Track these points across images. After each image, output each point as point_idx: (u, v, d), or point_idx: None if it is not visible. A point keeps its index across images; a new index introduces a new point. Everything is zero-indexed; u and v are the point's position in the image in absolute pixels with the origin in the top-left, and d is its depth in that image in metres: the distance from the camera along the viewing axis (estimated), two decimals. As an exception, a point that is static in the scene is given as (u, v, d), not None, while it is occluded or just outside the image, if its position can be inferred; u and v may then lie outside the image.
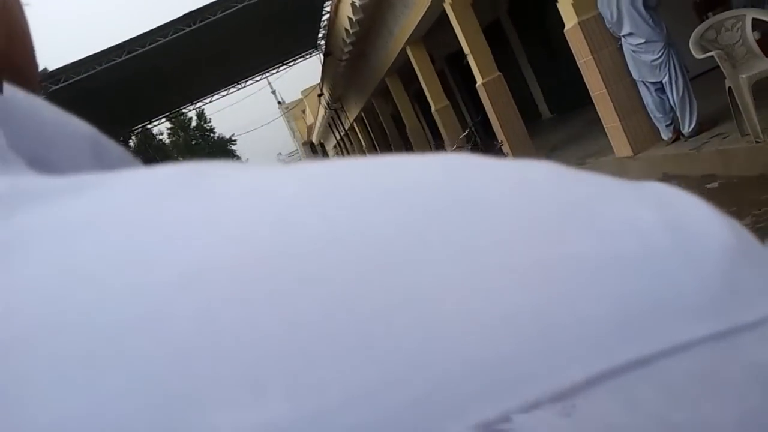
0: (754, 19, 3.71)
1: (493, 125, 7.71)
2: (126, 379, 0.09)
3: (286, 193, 0.12)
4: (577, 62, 5.12)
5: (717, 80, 6.16)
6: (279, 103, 53.34)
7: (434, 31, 10.31)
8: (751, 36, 3.71)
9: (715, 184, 3.93)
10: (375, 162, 0.12)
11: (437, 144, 14.24)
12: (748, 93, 3.40)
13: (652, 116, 4.78)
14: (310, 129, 40.55)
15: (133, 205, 0.12)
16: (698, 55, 3.84)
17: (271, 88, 52.61)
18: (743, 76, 3.42)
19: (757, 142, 3.44)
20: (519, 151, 7.44)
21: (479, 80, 7.60)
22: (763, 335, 0.10)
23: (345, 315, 0.10)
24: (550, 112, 12.87)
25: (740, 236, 0.12)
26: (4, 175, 0.14)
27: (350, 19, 11.09)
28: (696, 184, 4.13)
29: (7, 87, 0.18)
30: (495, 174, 0.12)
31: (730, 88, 3.62)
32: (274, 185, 0.12)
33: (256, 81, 24.13)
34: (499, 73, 7.57)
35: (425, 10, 8.59)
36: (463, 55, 15.13)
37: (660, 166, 4.67)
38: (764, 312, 0.11)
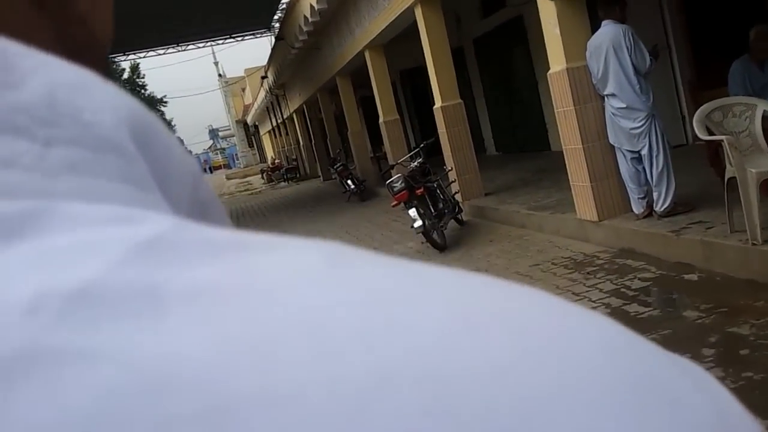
0: (765, 112, 3.38)
1: (443, 151, 7.23)
2: None
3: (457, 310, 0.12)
4: (555, 110, 4.69)
5: (692, 156, 5.93)
6: (219, 75, 51.37)
7: (394, 42, 9.79)
8: (759, 128, 3.38)
9: (693, 276, 3.56)
10: (509, 293, 0.13)
11: (375, 153, 13.69)
12: (755, 189, 3.04)
13: (626, 186, 4.40)
14: (246, 108, 39.14)
15: (312, 278, 0.12)
16: (701, 135, 3.47)
17: (215, 58, 50.61)
18: (753, 170, 3.05)
19: (754, 244, 3.07)
20: (467, 181, 7.00)
21: (438, 102, 7.10)
22: None
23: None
24: (496, 150, 12.63)
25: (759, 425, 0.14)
26: (155, 210, 0.15)
27: (312, 7, 10.37)
28: (670, 269, 3.75)
29: (152, 114, 0.18)
30: (607, 338, 0.13)
31: (731, 178, 3.25)
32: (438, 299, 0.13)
33: (199, 47, 22.75)
34: (460, 101, 7.10)
35: (394, 17, 8.02)
36: (419, 73, 14.75)
37: (628, 239, 4.28)
38: None
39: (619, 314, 3.27)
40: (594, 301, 3.54)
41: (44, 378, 0.10)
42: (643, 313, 3.27)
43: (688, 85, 6.57)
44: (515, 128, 11.58)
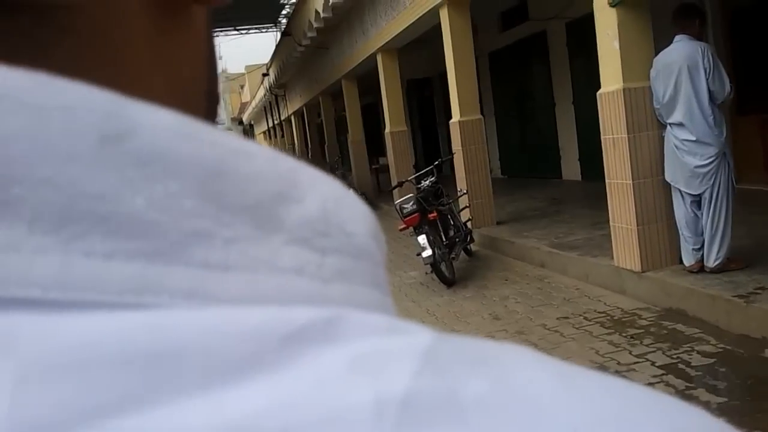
0: None
1: (456, 171, 6.55)
2: None
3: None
4: (602, 137, 4.02)
5: (751, 201, 5.22)
6: (221, 70, 50.55)
7: (403, 50, 9.14)
8: None
9: (769, 359, 2.88)
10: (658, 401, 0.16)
11: (373, 165, 12.98)
12: None
13: (680, 233, 3.73)
14: (243, 106, 38.39)
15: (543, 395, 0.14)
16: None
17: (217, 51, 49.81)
18: None
19: None
20: (478, 206, 6.29)
21: (456, 116, 6.43)
22: None
23: None
24: (502, 173, 11.98)
25: None
26: (390, 312, 0.17)
27: (325, 1, 9.71)
28: (734, 343, 3.06)
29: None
30: None
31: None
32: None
33: (201, 39, 21.93)
34: (480, 116, 6.43)
35: (415, 18, 7.36)
36: (428, 85, 14.07)
37: (678, 299, 3.59)
38: None
39: (687, 401, 2.57)
40: (650, 377, 2.83)
41: None
42: (716, 404, 2.57)
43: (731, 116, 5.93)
44: (525, 151, 10.94)
